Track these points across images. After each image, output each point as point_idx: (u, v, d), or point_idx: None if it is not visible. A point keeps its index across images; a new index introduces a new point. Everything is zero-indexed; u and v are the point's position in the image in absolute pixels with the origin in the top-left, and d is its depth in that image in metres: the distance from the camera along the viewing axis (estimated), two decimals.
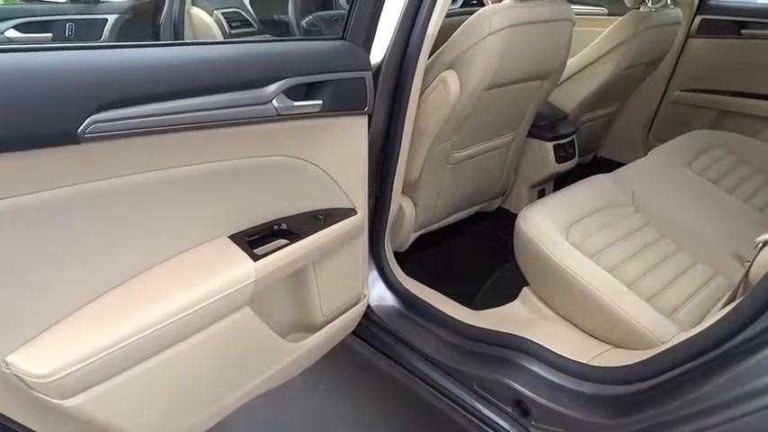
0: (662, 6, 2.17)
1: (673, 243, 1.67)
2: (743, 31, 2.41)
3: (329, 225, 1.28)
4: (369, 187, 1.40)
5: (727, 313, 1.06)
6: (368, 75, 1.21)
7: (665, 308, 1.43)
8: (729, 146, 2.29)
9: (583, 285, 1.43)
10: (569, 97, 2.34)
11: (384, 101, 1.38)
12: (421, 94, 1.54)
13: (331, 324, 1.50)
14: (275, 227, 1.21)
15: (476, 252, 2.19)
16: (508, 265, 1.90)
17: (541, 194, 2.38)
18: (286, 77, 1.04)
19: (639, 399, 1.19)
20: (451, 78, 1.64)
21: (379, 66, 1.31)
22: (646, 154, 2.17)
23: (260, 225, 1.19)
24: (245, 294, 1.11)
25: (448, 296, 1.72)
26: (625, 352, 1.36)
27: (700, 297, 1.51)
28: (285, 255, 1.18)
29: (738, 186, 2.08)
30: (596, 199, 1.74)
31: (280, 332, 1.32)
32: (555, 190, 2.42)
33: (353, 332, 1.68)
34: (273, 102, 1.02)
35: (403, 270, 1.76)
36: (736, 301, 1.08)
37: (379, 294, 1.70)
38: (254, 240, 1.17)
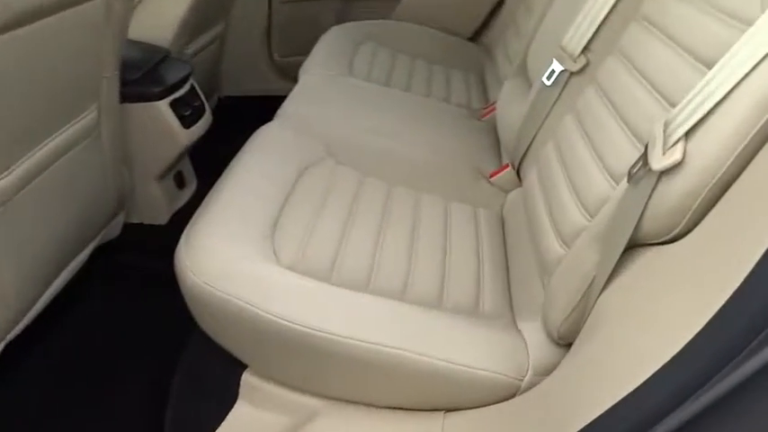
0: None
1: (407, 190, 1.11)
2: None
3: None
4: None
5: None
6: None
7: (465, 306, 0.88)
8: (373, 36, 1.84)
9: (347, 345, 0.76)
10: (158, 24, 1.52)
11: None
12: None
13: None
14: None
15: (119, 328, 1.27)
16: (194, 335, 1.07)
17: (180, 182, 1.56)
18: None
19: None
20: None
21: None
22: (278, 76, 1.86)
23: None
24: None
25: None
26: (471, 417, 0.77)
27: (490, 266, 1.00)
28: None
29: (412, 81, 1.65)
30: (287, 167, 1.05)
31: None
32: (194, 168, 1.64)
33: None
34: None
35: None
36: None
37: None
38: None
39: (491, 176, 1.26)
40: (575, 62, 1.06)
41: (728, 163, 0.58)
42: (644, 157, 0.66)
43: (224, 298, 0.77)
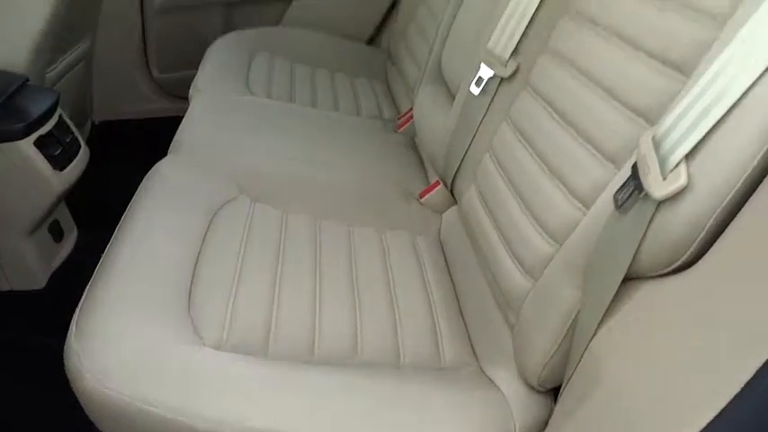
0: None
1: (336, 224, 0.98)
2: None
3: None
4: None
5: None
6: None
7: (425, 359, 0.77)
8: (266, 45, 1.68)
9: None
10: (7, 46, 1.25)
11: None
12: None
13: None
14: None
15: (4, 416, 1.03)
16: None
17: (57, 233, 1.30)
18: None
19: None
20: None
21: None
22: (159, 95, 1.73)
23: None
24: None
25: None
26: None
27: (442, 306, 0.89)
28: None
29: (317, 94, 1.52)
30: (193, 215, 0.88)
31: None
32: (72, 211, 1.39)
33: None
34: None
35: None
36: None
37: None
38: None
39: (421, 196, 1.15)
40: (505, 67, 0.97)
41: (738, 185, 0.51)
42: (634, 181, 0.57)
43: (136, 406, 0.60)
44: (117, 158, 1.53)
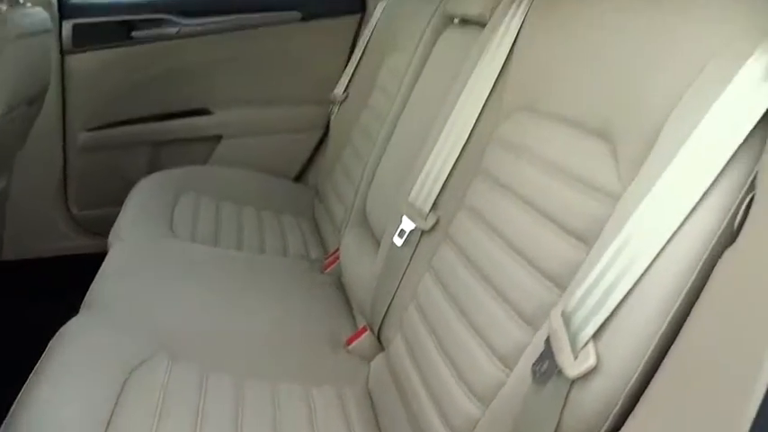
0: (17, 5, 1.25)
1: (260, 383, 0.95)
2: (134, 34, 1.75)
3: None
4: None
5: None
6: None
7: None
8: (193, 184, 1.69)
9: None
10: None
11: None
12: None
13: None
14: None
15: None
16: None
17: None
18: None
19: None
20: None
21: None
22: (77, 233, 1.73)
23: None
24: None
25: None
26: None
27: None
28: None
29: (243, 235, 1.51)
30: (103, 379, 0.83)
31: None
32: None
33: None
34: None
35: None
36: None
37: None
38: None
39: (348, 343, 1.13)
40: (425, 220, 1.01)
41: (646, 358, 0.53)
42: (548, 353, 0.59)
43: None
44: (27, 299, 1.44)
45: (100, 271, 1.14)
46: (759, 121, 0.49)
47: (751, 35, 0.53)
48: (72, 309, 1.05)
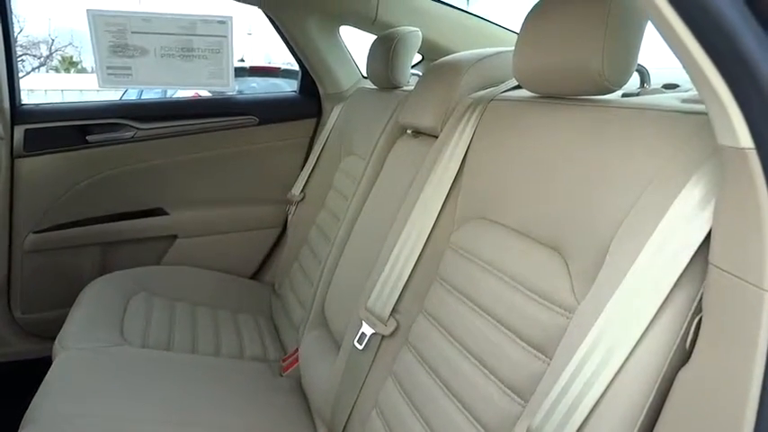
0: None
1: None
2: (89, 138, 1.75)
3: None
4: None
5: None
6: None
7: None
8: (146, 285, 1.66)
9: None
10: None
11: None
12: None
13: None
14: None
15: None
16: None
17: None
18: None
19: None
20: None
21: None
22: (20, 338, 1.64)
23: None
24: None
25: None
26: None
27: None
28: None
29: (197, 337, 1.48)
30: None
31: None
32: None
33: None
34: None
35: None
36: None
37: None
38: None
39: None
40: (385, 325, 1.02)
41: None
42: None
43: None
44: None
45: (42, 385, 1.08)
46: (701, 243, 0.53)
47: (684, 167, 0.57)
48: (12, 423, 0.98)
